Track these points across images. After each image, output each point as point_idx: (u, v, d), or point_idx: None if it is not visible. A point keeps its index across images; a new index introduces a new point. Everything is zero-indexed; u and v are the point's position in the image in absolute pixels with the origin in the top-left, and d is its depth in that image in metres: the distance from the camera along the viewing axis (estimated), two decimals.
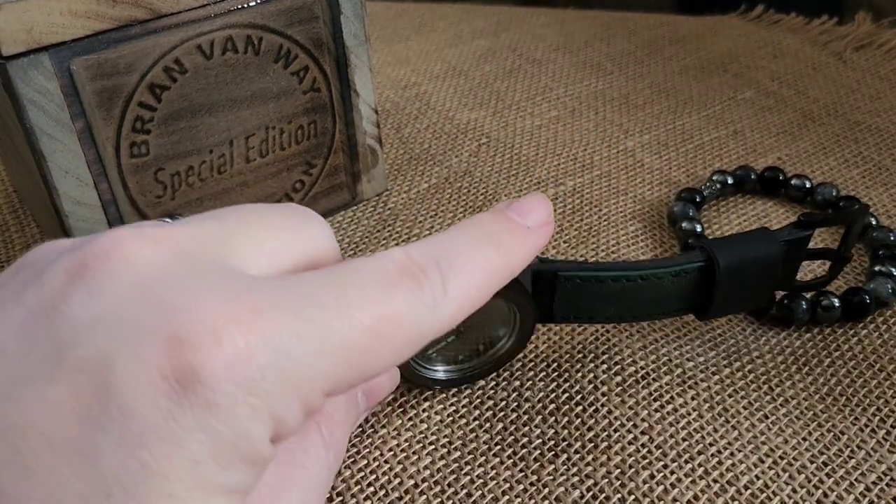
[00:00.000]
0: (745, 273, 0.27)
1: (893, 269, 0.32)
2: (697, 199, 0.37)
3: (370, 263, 0.18)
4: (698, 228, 0.35)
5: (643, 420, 0.27)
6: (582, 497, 0.25)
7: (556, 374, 0.29)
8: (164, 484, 0.15)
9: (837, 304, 0.30)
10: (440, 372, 0.28)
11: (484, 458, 0.26)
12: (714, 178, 0.38)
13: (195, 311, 0.15)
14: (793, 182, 0.37)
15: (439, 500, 0.25)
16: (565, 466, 0.26)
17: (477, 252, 0.20)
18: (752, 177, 0.38)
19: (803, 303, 0.30)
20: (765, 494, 0.24)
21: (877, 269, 0.32)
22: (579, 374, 0.29)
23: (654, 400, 0.28)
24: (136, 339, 0.15)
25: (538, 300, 0.26)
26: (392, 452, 0.26)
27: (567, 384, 0.28)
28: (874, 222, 0.35)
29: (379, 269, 0.18)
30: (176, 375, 0.15)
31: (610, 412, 0.27)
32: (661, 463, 0.26)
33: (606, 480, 0.25)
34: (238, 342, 0.15)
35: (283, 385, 0.16)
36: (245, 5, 0.30)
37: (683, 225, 0.35)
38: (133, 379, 0.15)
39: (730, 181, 0.38)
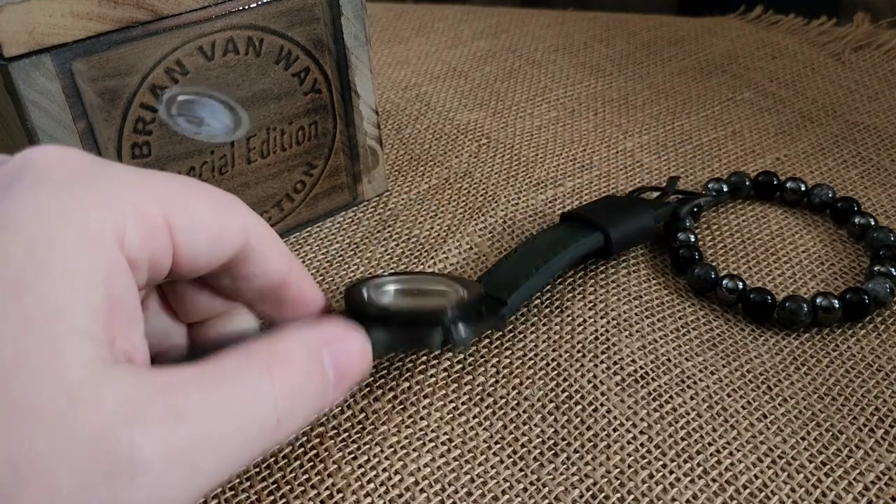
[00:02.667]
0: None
1: (893, 270, 0.32)
2: (694, 210, 0.36)
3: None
4: (692, 239, 0.34)
5: (642, 419, 0.27)
6: (581, 496, 0.25)
7: (555, 373, 0.29)
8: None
9: (838, 306, 0.30)
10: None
11: (483, 456, 0.26)
12: (709, 186, 0.38)
13: None
14: (788, 185, 0.37)
15: (439, 498, 0.25)
16: (564, 465, 0.26)
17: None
18: (747, 183, 0.38)
19: (805, 305, 0.30)
20: (763, 494, 0.25)
21: (876, 269, 0.32)
22: (578, 374, 0.29)
23: (653, 399, 0.28)
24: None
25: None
26: (392, 449, 0.26)
27: (566, 383, 0.29)
28: (873, 223, 0.35)
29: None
30: None
31: (609, 411, 0.27)
32: (660, 462, 0.26)
33: (605, 480, 0.25)
34: None
35: (117, 189, 0.18)
36: (246, 7, 0.30)
37: (678, 236, 0.34)
38: None
39: (725, 189, 0.38)
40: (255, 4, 0.30)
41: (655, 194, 0.38)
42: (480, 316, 0.27)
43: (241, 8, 0.30)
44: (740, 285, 0.31)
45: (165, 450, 0.16)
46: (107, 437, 0.16)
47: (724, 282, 0.32)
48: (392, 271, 0.31)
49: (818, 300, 0.30)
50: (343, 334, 0.21)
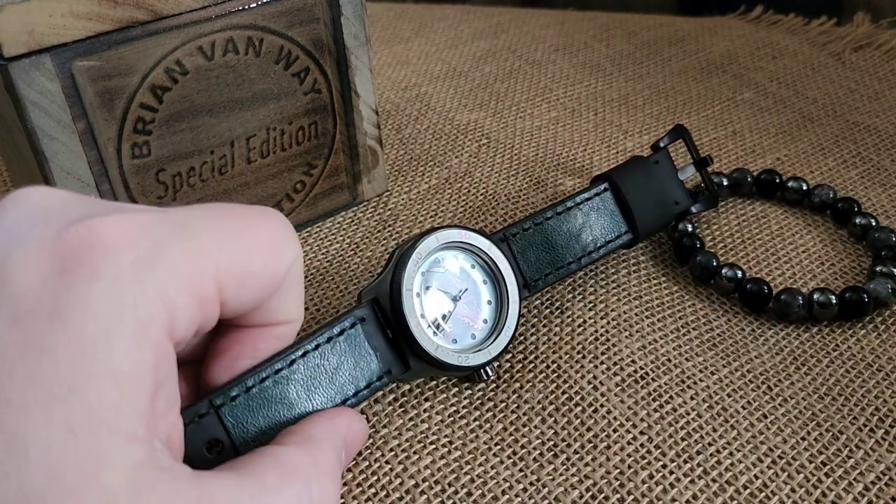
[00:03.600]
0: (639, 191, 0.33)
1: (895, 270, 0.32)
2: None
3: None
4: (690, 228, 0.35)
5: (642, 420, 0.27)
6: (581, 497, 0.25)
7: (555, 374, 0.29)
8: (50, 356, 0.16)
9: (834, 301, 0.30)
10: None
11: (484, 457, 0.26)
12: None
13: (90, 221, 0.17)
14: (790, 184, 0.37)
15: (440, 499, 0.25)
16: (564, 466, 0.26)
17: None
18: (749, 179, 0.38)
19: (800, 297, 0.30)
20: (763, 494, 0.25)
21: (878, 269, 0.32)
22: (578, 375, 0.29)
23: (653, 400, 0.28)
24: (30, 237, 0.17)
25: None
26: (393, 452, 0.26)
27: (566, 384, 0.29)
28: (874, 223, 0.35)
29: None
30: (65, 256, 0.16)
31: (609, 412, 0.27)
32: (660, 463, 0.26)
33: (605, 480, 0.25)
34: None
35: (173, 274, 0.17)
36: (246, 7, 0.30)
37: (677, 225, 0.35)
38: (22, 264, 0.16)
39: (725, 183, 0.38)
40: (254, 4, 0.30)
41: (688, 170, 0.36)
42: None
43: (240, 8, 0.30)
44: (739, 274, 0.32)
45: None
46: None
47: (724, 270, 0.32)
48: (437, 234, 0.28)
49: (815, 295, 0.30)
50: (352, 419, 0.23)
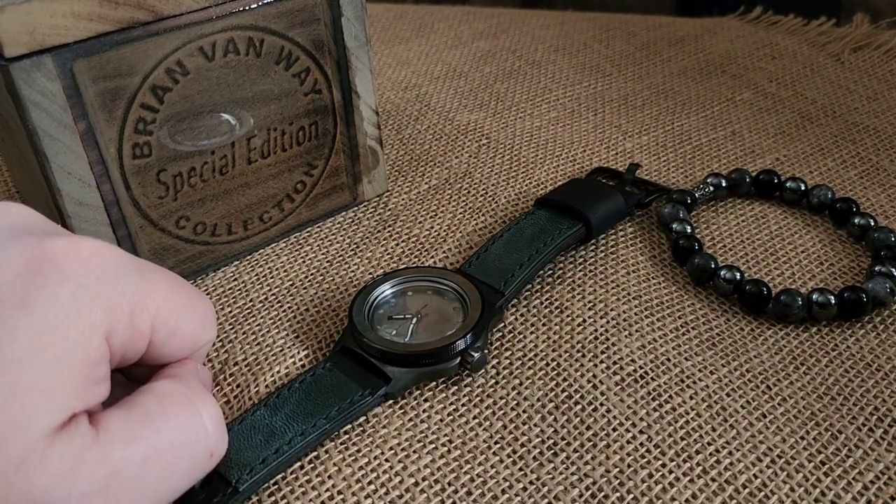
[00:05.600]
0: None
1: (894, 270, 0.32)
2: (688, 201, 0.37)
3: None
4: (688, 229, 0.35)
5: (641, 419, 0.27)
6: (580, 495, 0.25)
7: (554, 373, 0.29)
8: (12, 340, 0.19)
9: (833, 301, 0.30)
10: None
11: (483, 456, 0.26)
12: (708, 180, 0.38)
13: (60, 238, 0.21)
14: (788, 185, 0.37)
15: (439, 498, 0.25)
16: (564, 465, 0.26)
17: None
18: (747, 180, 0.38)
19: (800, 298, 0.30)
20: (763, 493, 0.25)
21: (877, 269, 0.32)
22: (578, 374, 0.29)
23: (653, 399, 0.28)
24: (15, 242, 0.21)
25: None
26: (392, 451, 0.26)
27: (566, 383, 0.29)
28: (873, 223, 0.35)
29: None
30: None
31: (608, 411, 0.27)
32: (660, 462, 0.26)
33: (605, 479, 0.25)
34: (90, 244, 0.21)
35: (123, 297, 0.22)
36: (246, 7, 0.30)
37: (674, 226, 0.35)
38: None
39: (724, 184, 0.38)
40: (255, 5, 0.31)
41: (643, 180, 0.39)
42: (486, 327, 0.29)
43: (241, 9, 0.30)
44: (738, 276, 0.32)
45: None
46: (44, 497, 0.19)
47: (723, 272, 0.32)
48: (385, 276, 0.31)
49: (814, 295, 0.30)
50: (197, 364, 0.25)
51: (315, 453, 0.26)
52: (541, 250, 0.33)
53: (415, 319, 0.30)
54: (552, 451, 0.26)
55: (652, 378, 0.29)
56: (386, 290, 0.31)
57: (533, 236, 0.34)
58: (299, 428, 0.26)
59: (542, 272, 0.34)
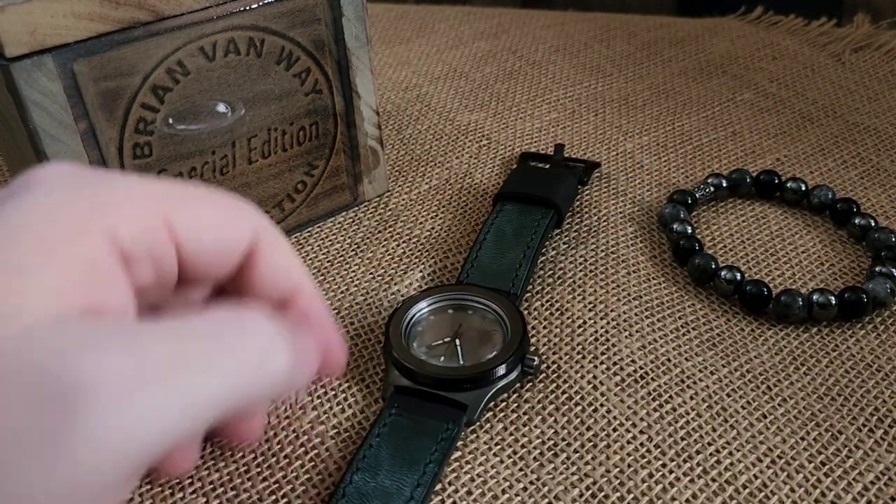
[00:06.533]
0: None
1: (894, 270, 0.32)
2: (689, 202, 0.37)
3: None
4: (689, 230, 0.35)
5: (642, 419, 0.27)
6: (581, 496, 0.25)
7: (555, 374, 0.29)
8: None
9: (834, 302, 0.30)
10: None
11: (484, 457, 0.26)
12: (708, 180, 0.38)
13: None
14: (789, 185, 0.37)
15: (440, 497, 0.25)
16: (564, 465, 0.26)
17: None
18: (748, 180, 0.38)
19: (800, 299, 0.30)
20: (763, 493, 0.25)
21: (877, 269, 0.32)
22: (578, 374, 0.29)
23: (653, 399, 0.28)
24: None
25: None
26: None
27: (566, 384, 0.29)
28: (874, 223, 0.35)
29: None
30: None
31: (609, 412, 0.27)
32: (660, 462, 0.26)
33: (605, 479, 0.25)
34: None
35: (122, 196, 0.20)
36: (247, 8, 0.30)
37: (675, 227, 0.35)
38: None
39: (724, 184, 0.38)
40: (256, 5, 0.31)
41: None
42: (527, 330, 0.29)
43: (242, 9, 0.30)
44: (738, 276, 0.32)
45: (118, 376, 0.16)
46: (56, 363, 0.16)
47: (723, 272, 0.32)
48: (405, 304, 0.30)
49: (814, 296, 0.30)
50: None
51: (316, 451, 0.26)
52: (530, 244, 0.33)
53: (457, 341, 0.29)
54: (552, 452, 0.26)
55: (652, 378, 0.29)
56: (418, 315, 0.30)
57: (516, 233, 0.34)
58: (412, 480, 0.24)
59: (541, 273, 0.34)
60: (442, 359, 0.28)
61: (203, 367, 0.18)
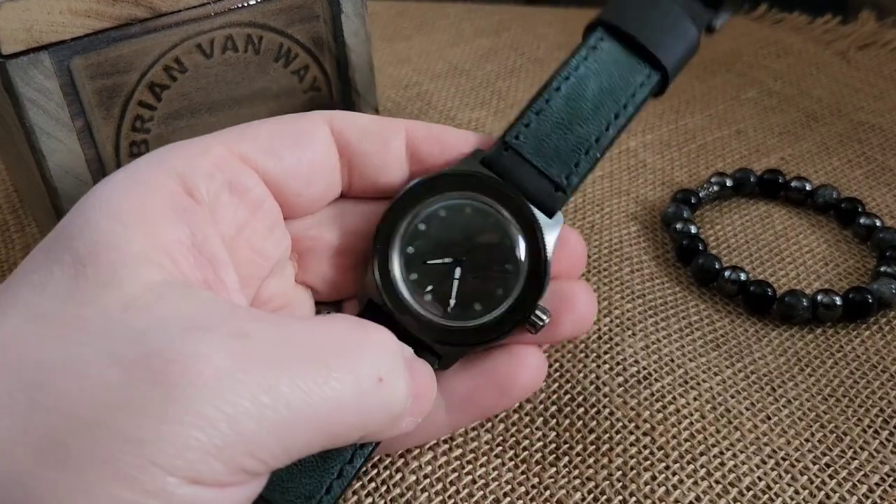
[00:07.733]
0: None
1: None
2: (692, 201, 0.36)
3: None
4: (693, 230, 0.34)
5: (645, 421, 0.27)
6: (583, 499, 0.24)
7: (557, 374, 0.29)
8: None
9: (839, 303, 0.30)
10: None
11: (485, 458, 0.26)
12: (712, 179, 0.38)
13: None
14: (793, 184, 0.37)
15: (440, 498, 0.25)
16: (567, 468, 0.25)
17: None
18: (752, 179, 0.38)
19: (804, 299, 0.30)
20: (767, 496, 0.24)
21: (882, 269, 0.32)
22: (581, 375, 0.29)
23: (656, 400, 0.28)
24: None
25: None
26: (394, 450, 0.26)
27: (568, 385, 0.28)
28: (879, 223, 0.35)
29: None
30: None
31: (612, 413, 0.27)
32: (663, 464, 0.25)
33: (608, 482, 0.25)
34: None
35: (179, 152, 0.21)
36: (245, 4, 0.30)
37: (677, 226, 0.35)
38: None
39: (728, 183, 0.38)
40: (254, 2, 0.30)
41: None
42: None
43: (240, 5, 0.30)
44: (742, 276, 0.31)
45: (227, 364, 0.15)
46: (160, 342, 0.15)
47: (727, 273, 0.32)
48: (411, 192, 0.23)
49: (819, 297, 0.30)
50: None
51: None
52: (613, 123, 0.24)
53: (458, 269, 0.23)
54: (555, 455, 0.26)
55: (655, 379, 0.28)
56: (427, 212, 0.23)
57: (600, 94, 0.24)
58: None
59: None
60: (428, 297, 0.23)
61: (305, 380, 0.16)
